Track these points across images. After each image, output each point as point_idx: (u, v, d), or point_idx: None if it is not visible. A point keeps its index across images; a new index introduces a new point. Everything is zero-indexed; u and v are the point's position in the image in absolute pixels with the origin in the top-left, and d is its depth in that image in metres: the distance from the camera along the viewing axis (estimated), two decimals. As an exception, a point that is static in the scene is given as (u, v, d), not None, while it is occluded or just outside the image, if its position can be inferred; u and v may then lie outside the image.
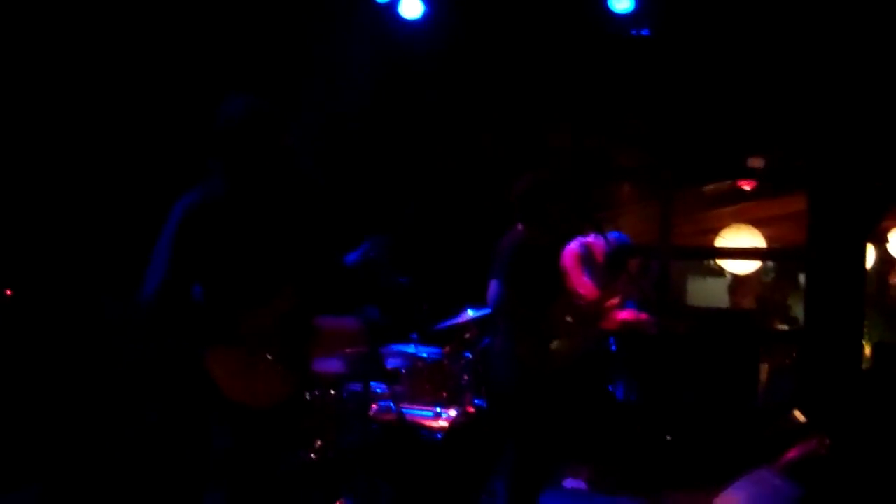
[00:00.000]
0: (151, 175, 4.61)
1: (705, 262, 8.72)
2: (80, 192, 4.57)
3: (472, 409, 4.76)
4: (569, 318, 4.26)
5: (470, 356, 4.90)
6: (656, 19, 5.91)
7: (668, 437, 5.63)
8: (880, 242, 7.75)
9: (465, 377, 4.81)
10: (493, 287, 4.00)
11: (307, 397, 4.17)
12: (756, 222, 7.86)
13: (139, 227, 3.30)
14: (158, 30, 4.92)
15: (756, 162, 7.36)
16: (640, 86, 6.31)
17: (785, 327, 8.06)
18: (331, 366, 4.36)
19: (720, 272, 8.64)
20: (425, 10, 5.85)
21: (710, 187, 7.94)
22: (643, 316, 5.35)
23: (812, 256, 5.71)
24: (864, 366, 6.06)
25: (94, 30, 4.66)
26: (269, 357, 2.89)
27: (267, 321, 2.89)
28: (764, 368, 6.88)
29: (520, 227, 4.12)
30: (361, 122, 5.81)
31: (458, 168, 6.36)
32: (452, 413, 4.65)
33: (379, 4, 5.80)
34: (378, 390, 4.55)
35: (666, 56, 6.10)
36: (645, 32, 5.98)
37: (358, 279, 3.33)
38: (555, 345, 4.09)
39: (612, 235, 4.93)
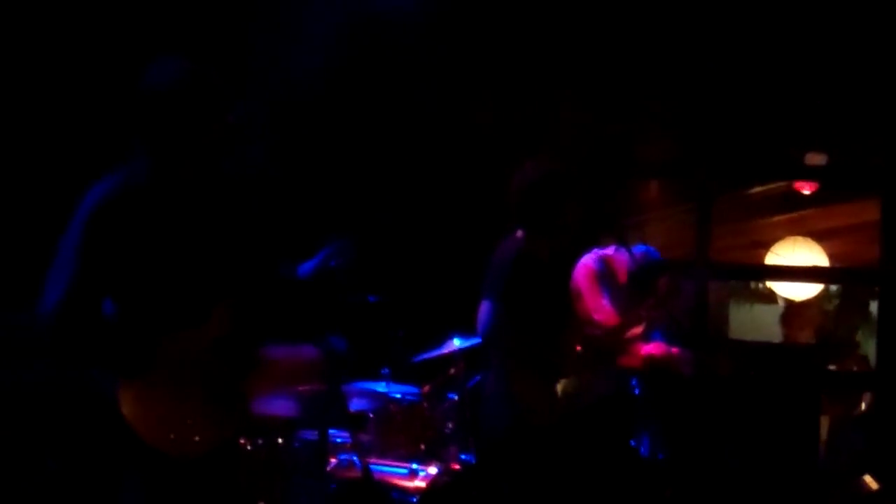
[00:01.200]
0: (57, 155, 4.60)
1: (752, 285, 8.78)
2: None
3: (456, 466, 4.79)
4: (580, 351, 4.28)
5: (455, 398, 4.94)
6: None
7: (705, 505, 5.65)
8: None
9: (449, 425, 4.86)
10: (484, 309, 4.00)
11: (247, 447, 4.17)
12: (817, 235, 7.93)
13: (39, 220, 3.29)
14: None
15: (817, 159, 7.43)
16: (673, 58, 6.36)
17: (853, 368, 8.11)
18: (279, 407, 4.37)
19: (771, 297, 8.70)
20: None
21: (758, 190, 8.00)
22: (675, 350, 5.38)
23: (887, 279, 5.76)
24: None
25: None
26: (200, 393, 2.89)
27: (196, 347, 2.90)
28: (826, 420, 6.91)
29: (519, 233, 4.12)
30: (324, 99, 5.81)
31: (445, 158, 6.38)
32: (432, 470, 4.67)
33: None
34: (338, 440, 4.56)
35: (705, 21, 6.16)
36: (678, -6, 6.06)
37: (314, 295, 3.34)
38: (562, 385, 4.12)
39: (637, 249, 4.97)
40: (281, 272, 3.23)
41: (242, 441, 4.14)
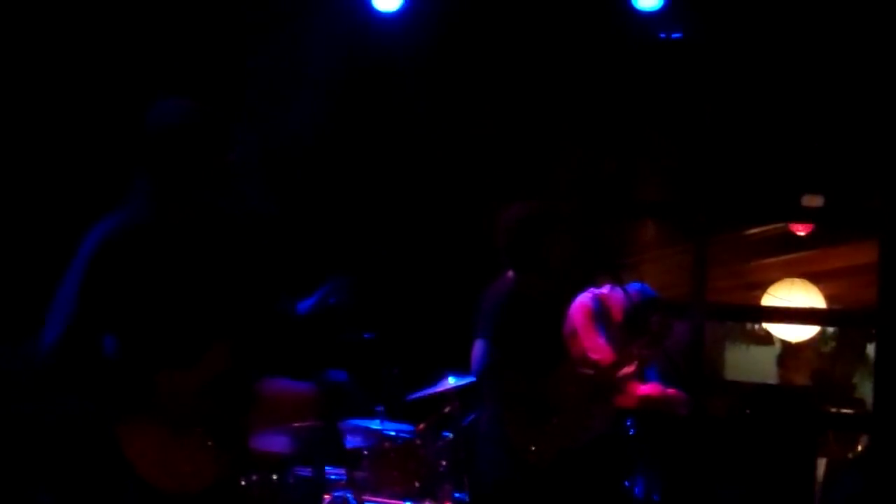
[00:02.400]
0: (63, 193, 4.65)
1: (749, 326, 8.79)
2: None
3: (450, 505, 4.78)
4: (574, 390, 4.28)
5: (450, 436, 4.94)
6: (690, 19, 6.05)
7: (700, 549, 5.65)
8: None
9: (443, 463, 4.85)
10: (477, 349, 4.02)
11: (241, 483, 4.18)
12: (813, 277, 7.96)
13: (42, 256, 3.33)
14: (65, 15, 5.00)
15: (813, 201, 7.50)
16: (670, 101, 6.41)
17: (849, 411, 8.11)
18: (274, 443, 4.38)
19: (767, 339, 8.71)
20: (404, 2, 5.91)
21: (755, 231, 8.05)
22: (670, 391, 5.38)
23: (884, 321, 5.79)
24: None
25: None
26: (198, 429, 2.92)
27: (195, 384, 2.92)
28: (822, 463, 6.91)
29: (510, 273, 4.14)
30: (321, 137, 5.86)
31: (440, 197, 6.42)
32: (426, 509, 4.67)
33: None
34: (333, 477, 4.56)
35: (701, 65, 6.22)
36: (676, 35, 6.11)
37: (312, 333, 3.37)
38: (556, 424, 4.09)
39: (632, 287, 4.99)
40: (279, 309, 3.27)
41: (238, 477, 4.14)
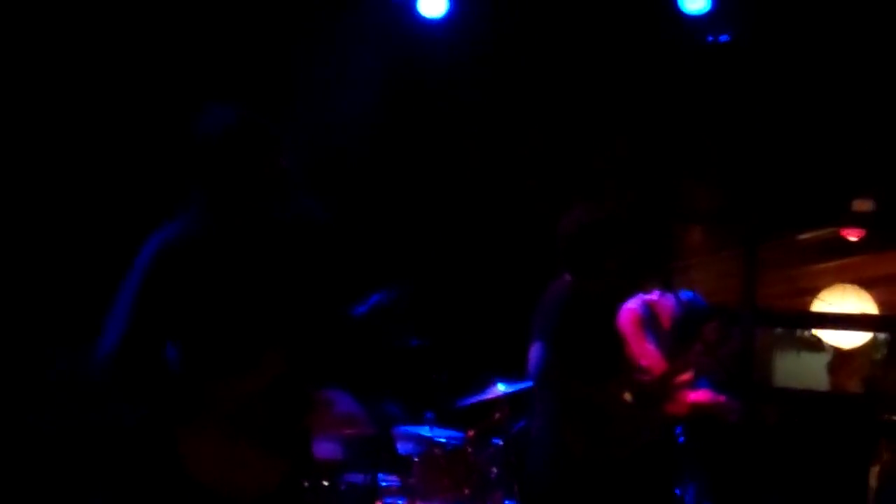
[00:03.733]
0: (120, 203, 4.70)
1: (799, 332, 8.70)
2: (29, 215, 4.65)
3: (501, 512, 4.77)
4: (630, 397, 4.27)
5: (500, 443, 4.93)
6: (739, 22, 6.01)
7: (752, 556, 5.60)
8: None
9: (494, 470, 4.84)
10: (535, 352, 4.00)
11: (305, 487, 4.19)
12: (865, 282, 7.87)
13: (101, 265, 3.36)
14: (116, 24, 5.05)
15: (865, 205, 7.41)
16: (719, 106, 6.39)
17: (902, 418, 8.01)
18: (326, 450, 4.40)
19: (818, 345, 8.62)
20: (449, 8, 5.94)
21: (805, 236, 7.97)
22: (721, 398, 5.34)
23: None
24: None
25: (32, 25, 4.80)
26: (255, 436, 2.93)
27: (251, 390, 2.94)
28: (875, 471, 6.83)
29: (567, 277, 4.14)
30: (370, 143, 5.89)
31: (490, 203, 6.42)
32: (477, 516, 4.66)
33: (393, 0, 5.93)
34: (385, 483, 4.57)
35: (751, 69, 6.18)
36: (724, 38, 6.08)
37: (363, 339, 3.38)
38: (611, 431, 4.09)
39: (683, 294, 4.95)
40: (334, 315, 3.28)
41: (299, 483, 4.13)
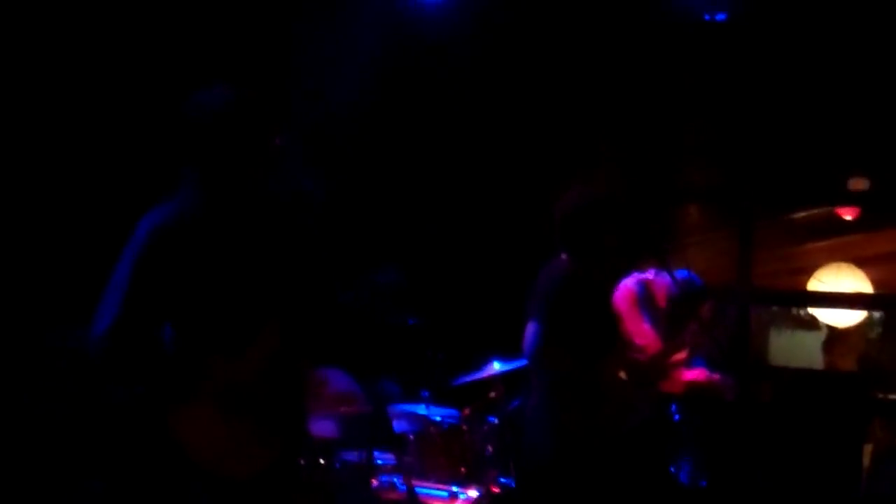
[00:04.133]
0: (112, 183, 4.70)
1: (794, 311, 8.72)
2: (21, 195, 4.63)
3: (496, 489, 4.78)
4: (624, 376, 4.27)
5: (495, 421, 4.93)
6: (735, 1, 5.99)
7: (746, 534, 5.61)
8: None
9: (489, 448, 4.85)
10: (530, 331, 4.00)
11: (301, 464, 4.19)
12: (859, 261, 7.86)
13: (93, 245, 3.35)
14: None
15: (860, 184, 7.40)
16: (714, 84, 6.38)
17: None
18: (322, 428, 4.40)
19: (813, 324, 8.63)
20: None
21: (800, 215, 7.97)
22: (716, 376, 5.36)
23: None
24: None
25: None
26: (251, 414, 2.94)
27: (246, 368, 2.94)
28: (868, 449, 6.84)
29: (564, 256, 4.15)
30: (368, 120, 5.86)
31: (486, 181, 6.41)
32: (472, 494, 4.66)
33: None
34: (380, 461, 4.57)
35: (747, 47, 6.17)
36: (720, 17, 6.06)
37: (358, 318, 3.37)
38: (606, 409, 4.08)
39: (679, 273, 4.96)
40: (328, 293, 3.28)
41: (295, 460, 4.14)
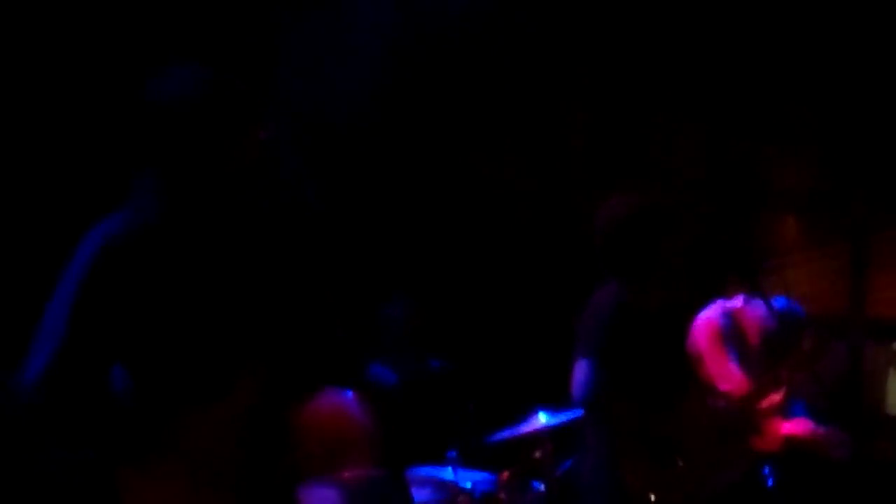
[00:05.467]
0: (49, 189, 4.69)
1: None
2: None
3: (544, 576, 4.79)
4: (704, 427, 4.31)
5: (541, 488, 4.94)
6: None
7: None
8: None
9: (535, 522, 4.84)
10: (581, 372, 4.02)
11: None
12: None
13: (22, 267, 3.33)
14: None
15: None
16: (815, 69, 6.36)
17: None
18: (321, 499, 4.36)
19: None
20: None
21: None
22: (821, 430, 5.32)
23: None
24: None
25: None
26: (224, 480, 2.91)
27: (218, 423, 2.91)
28: None
29: (615, 282, 4.18)
30: (373, 116, 5.89)
31: (522, 192, 6.44)
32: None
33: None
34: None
35: (852, 26, 6.17)
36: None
37: (366, 359, 3.34)
38: (681, 469, 4.09)
39: (776, 302, 4.95)
40: (326, 330, 3.23)
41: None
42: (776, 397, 4.98)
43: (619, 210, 4.12)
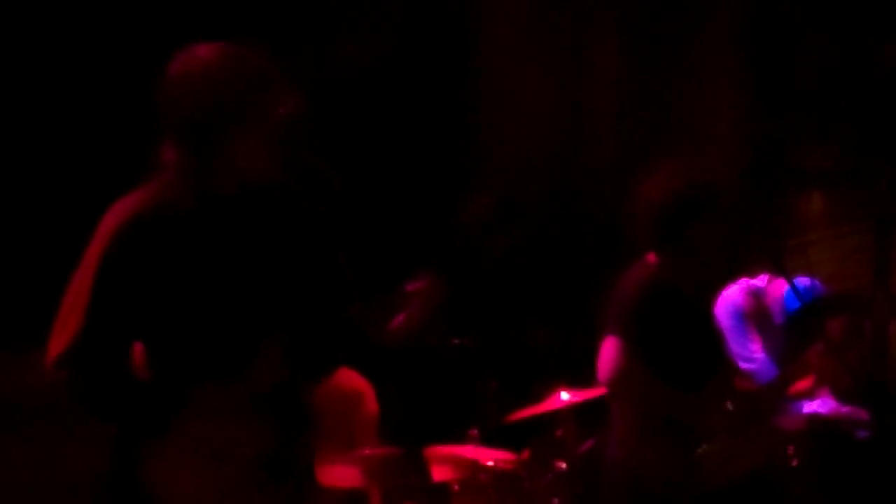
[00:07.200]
0: (70, 170, 4.69)
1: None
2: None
3: (565, 555, 4.79)
4: (731, 409, 4.23)
5: (563, 466, 4.91)
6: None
7: None
8: None
9: (555, 501, 4.83)
10: (608, 350, 4.00)
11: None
12: None
13: (45, 246, 3.33)
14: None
15: None
16: (840, 42, 6.40)
17: None
18: (340, 476, 4.37)
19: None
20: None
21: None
22: (845, 410, 5.31)
23: None
24: None
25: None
26: (244, 457, 2.91)
27: (241, 399, 2.91)
28: None
29: (651, 258, 4.15)
30: (392, 91, 5.89)
31: (547, 165, 6.42)
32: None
33: None
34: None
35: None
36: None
37: (392, 338, 3.34)
38: (705, 451, 4.07)
39: (799, 280, 4.90)
40: (345, 303, 3.23)
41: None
42: (804, 384, 4.96)
43: (669, 182, 4.10)
